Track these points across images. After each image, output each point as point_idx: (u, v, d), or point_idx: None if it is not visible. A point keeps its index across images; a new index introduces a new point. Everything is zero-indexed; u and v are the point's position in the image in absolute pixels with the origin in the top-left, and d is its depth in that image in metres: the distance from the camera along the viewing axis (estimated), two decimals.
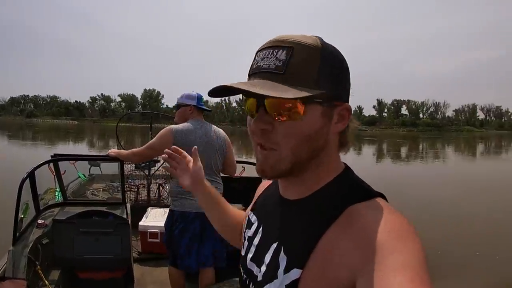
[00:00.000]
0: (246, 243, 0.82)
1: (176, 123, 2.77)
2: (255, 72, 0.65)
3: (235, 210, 1.06)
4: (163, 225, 2.83)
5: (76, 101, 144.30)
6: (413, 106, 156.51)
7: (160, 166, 5.24)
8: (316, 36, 0.66)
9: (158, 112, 6.94)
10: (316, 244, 0.61)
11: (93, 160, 5.46)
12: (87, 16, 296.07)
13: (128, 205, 3.22)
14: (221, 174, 2.88)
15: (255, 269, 0.74)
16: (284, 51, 0.62)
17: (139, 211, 4.19)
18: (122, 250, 2.76)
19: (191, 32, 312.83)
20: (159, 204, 4.78)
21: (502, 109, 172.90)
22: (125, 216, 2.90)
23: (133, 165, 5.06)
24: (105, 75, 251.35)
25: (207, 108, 2.93)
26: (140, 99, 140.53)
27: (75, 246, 2.67)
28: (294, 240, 0.66)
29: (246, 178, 3.58)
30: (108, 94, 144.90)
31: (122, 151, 2.93)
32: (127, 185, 4.85)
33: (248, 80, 0.66)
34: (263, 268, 0.70)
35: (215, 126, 2.85)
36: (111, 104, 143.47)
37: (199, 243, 2.64)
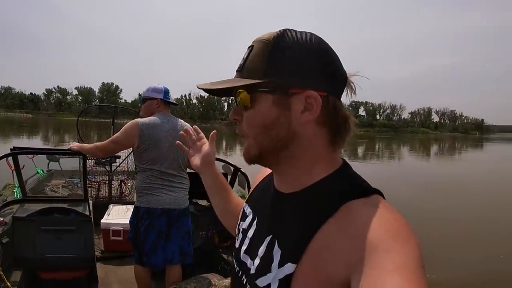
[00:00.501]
0: (240, 235, 0.81)
1: (142, 117, 2.68)
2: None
3: (239, 200, 1.05)
4: (126, 222, 2.77)
5: (31, 93, 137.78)
6: (371, 108, 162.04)
7: (121, 162, 5.08)
8: (281, 29, 0.67)
9: (122, 106, 6.45)
10: (311, 239, 0.61)
11: (55, 154, 5.14)
12: (46, 2, 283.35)
13: (91, 202, 3.11)
14: (188, 170, 2.81)
15: (248, 261, 0.73)
16: (248, 50, 0.68)
17: (100, 208, 4.05)
18: (85, 248, 2.67)
19: (155, 29, 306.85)
20: (121, 201, 4.65)
21: (456, 112, 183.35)
22: (87, 213, 2.80)
23: (93, 160, 4.86)
24: (62, 67, 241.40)
25: (174, 102, 2.88)
26: (98, 93, 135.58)
27: (36, 245, 2.57)
28: (289, 234, 0.65)
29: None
30: (65, 86, 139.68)
31: (85, 145, 2.80)
32: (88, 182, 4.67)
33: None
34: (257, 261, 0.70)
35: (181, 120, 2.78)
36: (68, 97, 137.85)
37: (165, 240, 2.58)
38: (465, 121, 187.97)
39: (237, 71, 0.69)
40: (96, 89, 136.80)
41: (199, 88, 0.72)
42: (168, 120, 2.66)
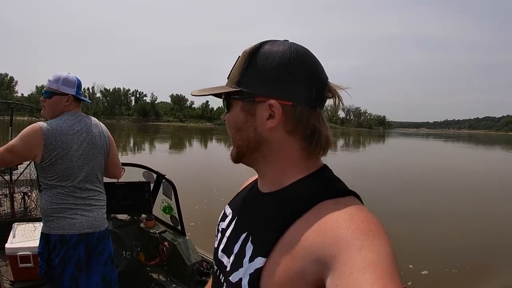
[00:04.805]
0: (219, 235, 0.84)
1: (45, 117, 2.19)
2: None
3: None
4: (36, 245, 2.26)
5: None
6: None
7: (24, 170, 4.37)
8: (264, 41, 0.72)
9: (20, 103, 5.29)
10: (282, 234, 0.63)
11: None
12: None
13: None
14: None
15: (225, 259, 0.76)
16: (235, 60, 0.74)
17: (2, 228, 3.46)
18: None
19: (51, 12, 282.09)
20: (26, 217, 3.94)
21: (361, 109, 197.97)
22: None
23: None
24: None
25: (86, 100, 2.35)
26: (45, 85, 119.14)
27: None
28: (262, 230, 0.68)
29: (133, 184, 3.19)
30: None
31: None
32: None
33: None
34: (232, 257, 0.72)
35: (95, 119, 2.28)
36: None
37: (86, 271, 2.14)
38: (369, 117, 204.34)
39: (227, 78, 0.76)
40: None
41: (193, 95, 0.78)
42: (79, 121, 2.14)
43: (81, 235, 2.08)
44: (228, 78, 0.75)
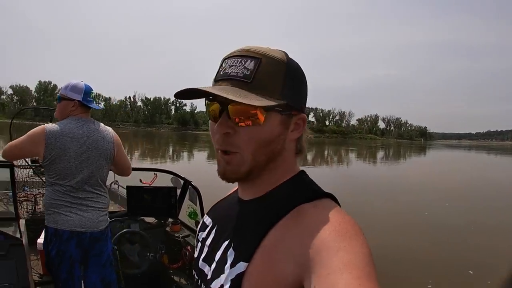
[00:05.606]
0: (199, 245, 0.82)
1: (56, 120, 2.33)
2: (223, 79, 0.67)
3: None
4: None
5: None
6: (320, 114, 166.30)
7: None
8: (282, 51, 0.70)
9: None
10: (263, 239, 0.63)
11: None
12: None
13: (23, 221, 2.78)
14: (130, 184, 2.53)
15: (206, 268, 0.74)
16: (253, 61, 0.66)
17: (37, 224, 3.58)
18: (18, 277, 2.35)
19: (97, 27, 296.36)
20: None
21: (401, 120, 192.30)
22: (18, 236, 2.49)
23: (31, 170, 4.41)
24: None
25: (95, 106, 2.41)
26: (34, 92, 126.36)
27: None
28: (243, 236, 0.68)
29: (161, 188, 3.26)
30: None
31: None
32: (23, 194, 4.25)
33: (214, 85, 0.69)
34: (213, 265, 0.71)
35: (102, 125, 2.40)
36: (2, 97, 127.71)
37: (83, 269, 2.28)
38: (410, 128, 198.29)
39: (238, 79, 0.65)
40: (32, 88, 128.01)
41: (195, 89, 0.65)
42: (82, 125, 2.26)
43: (72, 232, 2.20)
44: (250, 81, 0.65)
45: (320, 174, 16.68)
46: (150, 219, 3.34)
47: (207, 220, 0.85)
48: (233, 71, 0.66)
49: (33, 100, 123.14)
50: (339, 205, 0.67)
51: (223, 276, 0.66)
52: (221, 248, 0.71)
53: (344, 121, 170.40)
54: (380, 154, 45.84)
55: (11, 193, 4.46)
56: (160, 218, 3.42)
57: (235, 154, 0.67)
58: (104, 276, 2.35)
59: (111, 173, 4.53)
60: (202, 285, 0.74)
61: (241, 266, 0.63)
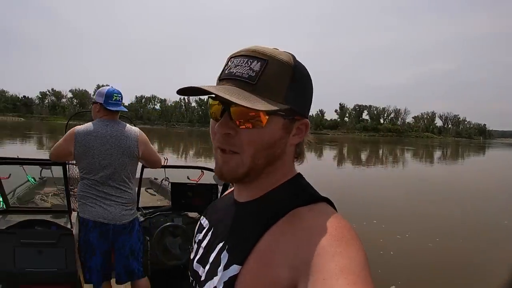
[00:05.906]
0: (195, 246, 0.82)
1: (91, 121, 2.58)
2: (227, 78, 0.65)
3: None
4: None
5: (24, 96, 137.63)
6: (375, 112, 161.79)
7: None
8: (289, 53, 0.68)
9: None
10: (257, 242, 0.62)
11: (29, 164, 4.67)
12: (40, 4, 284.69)
13: (75, 214, 2.96)
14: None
15: (200, 270, 0.74)
16: (259, 63, 0.64)
17: None
18: (66, 263, 2.53)
19: (150, 30, 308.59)
20: None
21: (459, 117, 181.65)
22: (69, 226, 2.66)
23: None
24: (57, 69, 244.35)
25: (118, 109, 2.58)
26: (93, 95, 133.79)
27: (16, 258, 2.44)
28: (238, 238, 0.67)
29: (203, 185, 3.35)
30: (59, 89, 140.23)
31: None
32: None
33: (218, 83, 0.68)
34: (207, 267, 0.71)
35: (128, 125, 2.60)
36: (62, 100, 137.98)
37: (106, 258, 2.50)
38: (468, 126, 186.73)
39: (242, 80, 0.64)
40: (91, 91, 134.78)
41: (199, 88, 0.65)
42: (106, 125, 2.48)
43: (95, 222, 2.44)
44: (255, 83, 0.63)
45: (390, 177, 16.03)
46: (193, 214, 3.40)
47: (204, 221, 0.84)
48: (238, 71, 0.65)
49: (91, 103, 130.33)
50: (335, 209, 0.67)
51: (216, 279, 0.65)
52: (215, 250, 0.71)
53: (400, 119, 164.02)
54: (438, 154, 43.18)
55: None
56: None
57: (234, 154, 0.66)
58: (128, 266, 2.57)
59: (162, 171, 4.71)
60: (197, 286, 0.74)
61: (234, 268, 0.62)
